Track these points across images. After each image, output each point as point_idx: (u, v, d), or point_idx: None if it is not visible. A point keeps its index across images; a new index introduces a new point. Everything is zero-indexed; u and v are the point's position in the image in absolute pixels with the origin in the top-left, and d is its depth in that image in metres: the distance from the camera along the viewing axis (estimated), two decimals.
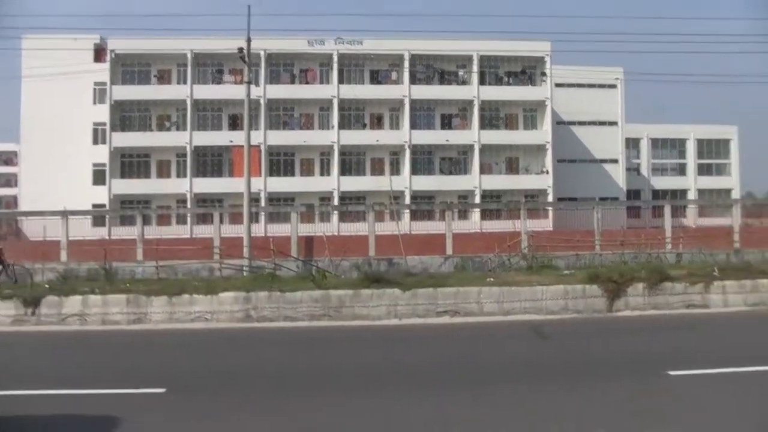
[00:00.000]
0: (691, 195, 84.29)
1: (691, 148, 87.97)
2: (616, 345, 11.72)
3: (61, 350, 13.32)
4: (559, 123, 71.55)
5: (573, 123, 73.70)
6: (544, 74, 68.19)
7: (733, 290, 16.75)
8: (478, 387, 9.39)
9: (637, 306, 16.40)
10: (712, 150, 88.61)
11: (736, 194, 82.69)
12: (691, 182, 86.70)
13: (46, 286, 18.80)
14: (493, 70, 69.21)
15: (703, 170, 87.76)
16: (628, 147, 79.17)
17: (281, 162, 66.26)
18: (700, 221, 42.60)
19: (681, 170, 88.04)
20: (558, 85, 70.27)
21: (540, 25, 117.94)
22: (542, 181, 66.60)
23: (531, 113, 69.37)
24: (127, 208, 58.54)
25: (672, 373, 9.58)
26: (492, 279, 18.05)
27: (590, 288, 16.64)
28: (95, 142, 65.08)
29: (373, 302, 16.06)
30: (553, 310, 16.33)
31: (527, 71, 69.38)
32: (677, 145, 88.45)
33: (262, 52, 61.67)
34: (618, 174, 74.51)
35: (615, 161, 74.64)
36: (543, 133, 67.73)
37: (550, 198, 64.65)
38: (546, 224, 48.96)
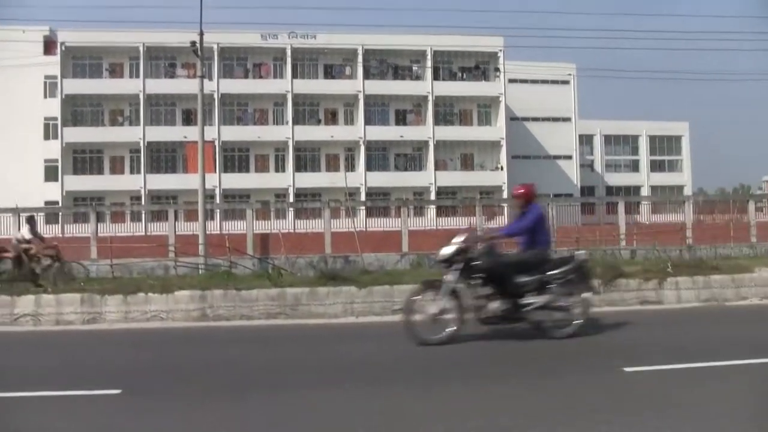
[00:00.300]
0: (645, 191, 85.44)
1: (643, 145, 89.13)
2: (571, 341, 11.85)
3: (13, 351, 13.16)
4: (513, 119, 72.12)
5: (527, 119, 74.34)
6: (497, 70, 68.67)
7: (686, 286, 16.97)
8: (431, 381, 9.46)
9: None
10: (665, 147, 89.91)
11: (688, 191, 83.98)
12: (644, 179, 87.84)
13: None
14: (446, 66, 69.55)
15: (656, 167, 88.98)
16: (581, 143, 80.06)
17: (236, 158, 66.04)
18: (653, 218, 43.11)
19: (634, 167, 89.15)
20: (511, 80, 70.80)
21: (492, 20, 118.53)
22: (497, 178, 67.08)
23: (485, 109, 69.79)
24: (80, 205, 57.97)
25: (627, 369, 9.70)
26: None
27: None
28: (47, 137, 64.40)
29: (330, 300, 16.03)
30: None
31: (481, 67, 69.80)
32: (630, 142, 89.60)
33: (215, 46, 61.49)
34: (572, 170, 75.32)
35: (569, 157, 75.43)
36: (497, 129, 68.20)
37: (505, 194, 65.12)
38: (502, 221, 49.10)
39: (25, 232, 21.34)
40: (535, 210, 12.73)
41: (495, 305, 12.07)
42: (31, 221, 22.12)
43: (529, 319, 12.24)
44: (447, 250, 12.38)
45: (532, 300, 12.12)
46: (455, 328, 11.94)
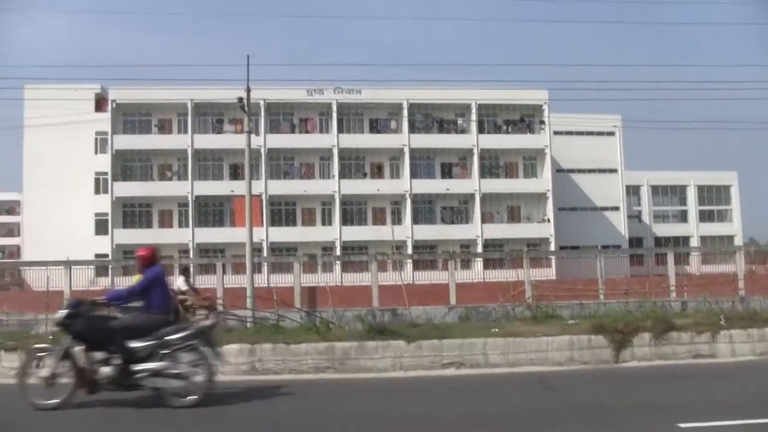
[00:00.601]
0: (694, 242, 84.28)
1: (691, 195, 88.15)
2: (624, 396, 11.65)
3: None
4: (559, 171, 71.81)
5: (573, 171, 73.96)
6: (542, 122, 68.55)
7: (741, 339, 16.66)
8: None
9: (643, 356, 16.29)
10: (713, 196, 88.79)
11: (738, 240, 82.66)
12: (693, 229, 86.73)
13: (50, 337, 18.70)
14: (491, 119, 69.60)
15: (705, 217, 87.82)
16: (628, 194, 79.38)
17: (282, 211, 66.35)
18: (703, 268, 42.55)
19: (682, 217, 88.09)
20: (557, 132, 70.60)
21: (537, 73, 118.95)
22: (544, 230, 66.63)
23: (531, 161, 69.60)
24: (129, 258, 58.43)
25: (682, 425, 9.51)
26: (497, 330, 17.93)
27: (596, 338, 16.54)
28: (97, 191, 65.32)
29: (378, 354, 15.95)
30: (559, 361, 16.22)
31: (525, 119, 69.75)
32: (678, 192, 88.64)
33: (261, 102, 62.14)
34: (619, 221, 74.58)
35: (616, 209, 74.74)
36: (543, 181, 67.89)
37: (552, 246, 64.68)
38: (549, 273, 48.91)
39: (180, 283, 21.35)
40: (150, 273, 12.44)
41: (106, 370, 11.64)
42: (185, 272, 22.20)
43: (144, 385, 11.74)
44: (60, 314, 12.05)
45: (145, 366, 11.69)
46: (68, 393, 11.53)
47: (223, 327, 21.00)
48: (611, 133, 75.44)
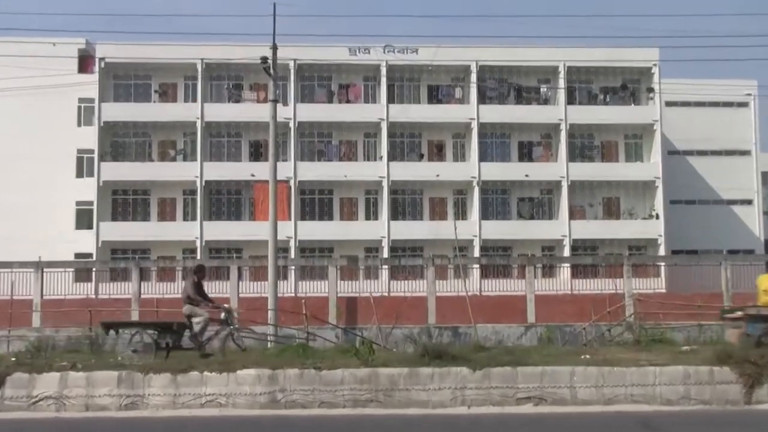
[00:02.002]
0: None
1: None
2: None
3: None
4: (671, 153, 71.09)
5: (690, 153, 73.11)
6: (651, 90, 67.90)
7: None
8: None
9: None
10: None
11: None
12: None
13: (13, 359, 18.87)
14: (584, 86, 69.11)
15: None
16: (765, 184, 78.13)
17: (316, 202, 66.54)
18: None
19: None
20: (669, 103, 69.91)
21: (644, 25, 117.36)
22: (651, 229, 66.05)
23: (635, 140, 69.03)
24: (119, 259, 59.00)
25: None
26: (588, 356, 17.84)
27: (720, 371, 16.32)
28: (80, 174, 65.60)
29: (435, 384, 15.93)
30: (670, 399, 16.05)
31: (629, 86, 69.18)
32: None
33: (291, 63, 62.30)
34: (753, 219, 73.58)
35: (748, 202, 73.78)
36: (651, 166, 67.27)
37: (661, 250, 64.07)
38: (657, 284, 48.39)
39: (188, 288, 21.77)
40: None
41: None
42: (198, 272, 22.45)
43: None
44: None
45: None
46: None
47: (240, 344, 21.21)
48: (743, 104, 74.48)
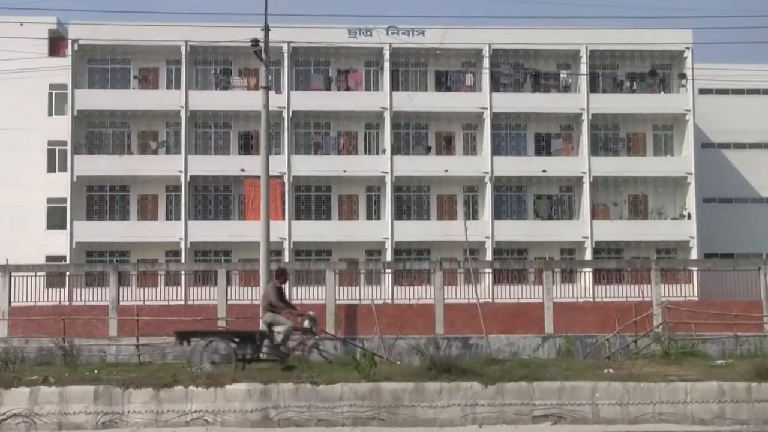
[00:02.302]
0: None
1: None
2: None
3: None
4: (705, 146, 71.04)
5: (727, 146, 73.07)
6: (683, 76, 67.89)
7: None
8: None
9: None
10: None
11: None
12: None
13: None
14: (608, 71, 69.14)
15: None
16: None
17: (312, 199, 66.59)
18: None
19: None
20: (703, 91, 69.89)
21: (676, 3, 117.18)
22: (682, 230, 66.08)
23: (665, 132, 69.05)
24: (95, 262, 59.00)
25: None
26: (612, 370, 17.89)
27: (759, 387, 16.37)
28: (51, 168, 65.52)
29: (443, 401, 15.99)
30: (703, 418, 16.10)
31: (658, 72, 69.15)
32: None
33: (284, 46, 62.36)
34: None
35: None
36: (682, 161, 67.26)
37: (694, 254, 64.04)
38: (688, 291, 48.33)
39: (270, 293, 21.89)
40: None
41: None
42: (280, 277, 22.72)
43: None
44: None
45: None
46: None
47: (324, 354, 21.49)
48: None
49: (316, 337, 21.82)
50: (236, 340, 20.74)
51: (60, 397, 16.23)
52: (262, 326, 22.21)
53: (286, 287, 22.91)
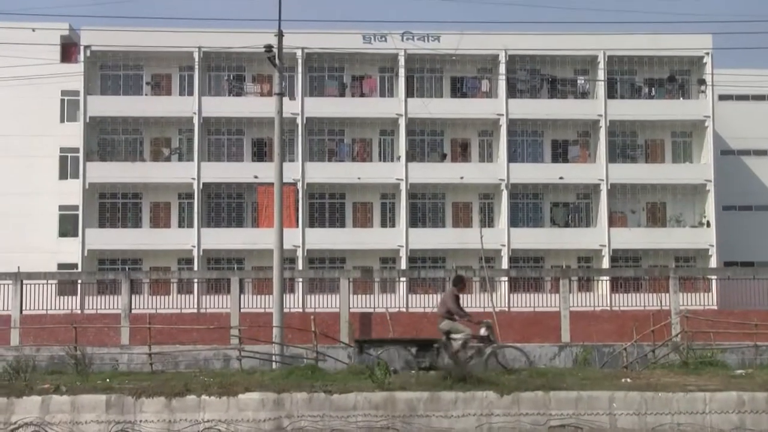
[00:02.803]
0: None
1: None
2: None
3: None
4: (725, 153, 70.92)
5: (747, 153, 72.90)
6: (702, 82, 67.77)
7: None
8: None
9: None
10: None
11: None
12: None
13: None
14: (627, 77, 69.04)
15: None
16: None
17: (326, 207, 66.61)
18: None
19: None
20: (723, 97, 69.74)
21: (694, 8, 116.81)
22: (701, 238, 65.95)
23: (684, 139, 68.96)
24: (107, 270, 59.13)
25: None
26: (629, 380, 17.84)
27: None
28: (63, 175, 65.60)
29: (458, 410, 15.99)
30: (722, 429, 16.06)
31: (677, 78, 69.01)
32: None
33: (298, 52, 62.40)
34: None
35: None
36: (702, 168, 67.15)
37: (713, 262, 63.89)
38: (708, 300, 48.21)
39: (449, 301, 22.03)
40: None
41: None
42: (458, 284, 22.90)
43: None
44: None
45: None
46: None
47: (505, 364, 21.50)
48: None
49: (494, 344, 21.84)
50: (415, 348, 20.91)
51: (72, 406, 16.25)
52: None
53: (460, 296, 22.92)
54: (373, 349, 21.44)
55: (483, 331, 21.84)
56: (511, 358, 22.64)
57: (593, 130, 67.66)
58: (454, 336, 21.10)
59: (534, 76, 68.42)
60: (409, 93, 66.49)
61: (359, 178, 65.30)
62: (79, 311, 41.91)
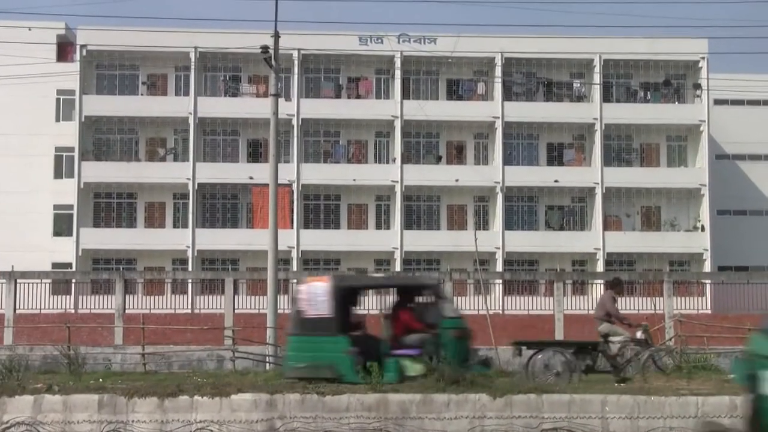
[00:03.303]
0: None
1: None
2: None
3: None
4: (720, 157, 70.89)
5: (741, 157, 72.87)
6: (698, 86, 67.77)
7: None
8: None
9: None
10: None
11: None
12: None
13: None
14: (622, 81, 69.07)
15: None
16: None
17: (321, 208, 66.58)
18: None
19: None
20: (718, 101, 69.75)
21: (691, 12, 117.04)
22: (696, 242, 65.97)
23: (679, 143, 68.99)
24: (101, 270, 59.02)
25: None
26: (622, 384, 17.83)
27: None
28: (58, 174, 65.52)
29: (451, 413, 15.98)
30: None
31: (672, 82, 69.04)
32: None
33: (294, 53, 62.19)
34: None
35: None
36: (697, 172, 67.16)
37: (707, 266, 63.88)
38: (702, 304, 48.28)
39: (608, 304, 22.32)
40: None
41: None
42: (616, 287, 23.40)
43: None
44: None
45: None
46: None
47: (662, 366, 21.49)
48: None
49: (652, 348, 21.88)
50: (572, 351, 20.93)
51: (64, 405, 16.23)
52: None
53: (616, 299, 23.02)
54: (529, 351, 21.53)
55: (640, 335, 21.92)
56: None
57: (588, 134, 67.69)
58: (612, 339, 21.22)
59: (530, 79, 68.46)
60: (405, 95, 66.49)
61: (354, 180, 65.27)
62: (73, 311, 41.95)
